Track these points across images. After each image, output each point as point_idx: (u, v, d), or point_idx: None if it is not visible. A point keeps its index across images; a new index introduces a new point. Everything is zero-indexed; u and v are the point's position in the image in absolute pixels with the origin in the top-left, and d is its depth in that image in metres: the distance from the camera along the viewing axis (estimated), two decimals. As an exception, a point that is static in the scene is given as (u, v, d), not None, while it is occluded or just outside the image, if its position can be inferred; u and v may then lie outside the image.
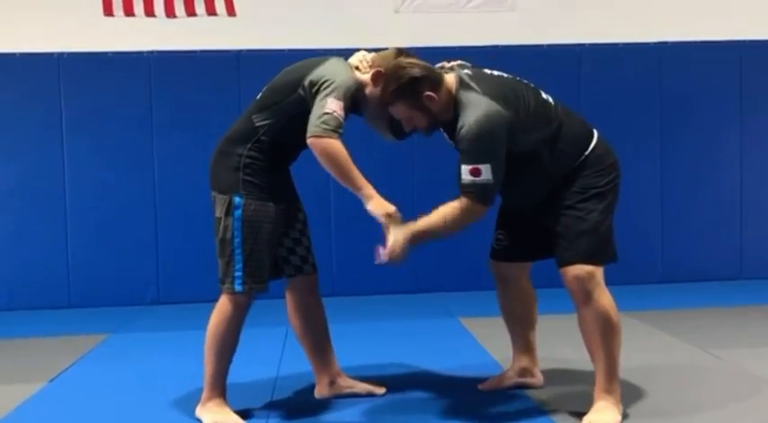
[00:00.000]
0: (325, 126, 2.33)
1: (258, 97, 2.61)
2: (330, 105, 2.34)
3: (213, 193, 2.55)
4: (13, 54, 4.88)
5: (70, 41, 4.91)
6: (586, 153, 2.40)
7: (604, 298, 2.37)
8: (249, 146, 2.52)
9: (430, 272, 5.01)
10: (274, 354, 3.49)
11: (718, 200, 5.26)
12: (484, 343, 3.56)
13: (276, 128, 2.49)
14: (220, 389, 2.54)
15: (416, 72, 2.33)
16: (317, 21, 5.03)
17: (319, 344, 2.79)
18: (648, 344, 3.49)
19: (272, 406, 2.72)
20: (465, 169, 2.28)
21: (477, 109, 2.27)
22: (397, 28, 4.97)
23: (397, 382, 2.91)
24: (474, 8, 5.09)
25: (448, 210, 2.34)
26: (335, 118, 2.34)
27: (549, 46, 5.07)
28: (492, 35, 4.96)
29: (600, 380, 2.38)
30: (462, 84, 2.35)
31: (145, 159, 4.95)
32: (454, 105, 2.36)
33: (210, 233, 5.38)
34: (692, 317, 4.09)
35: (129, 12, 4.97)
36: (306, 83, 2.43)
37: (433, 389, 2.86)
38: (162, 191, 4.96)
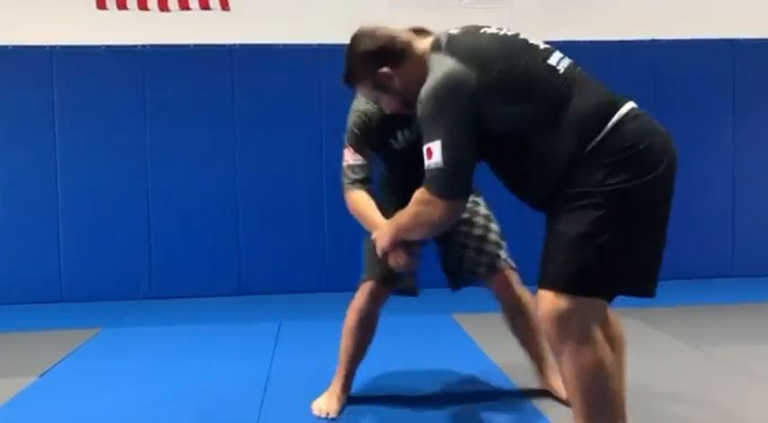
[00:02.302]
0: (344, 181, 2.42)
1: None
2: (344, 156, 2.42)
3: None
4: (6, 47, 4.85)
5: (63, 35, 4.87)
6: (597, 139, 1.73)
7: (585, 353, 1.71)
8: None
9: (423, 268, 5.00)
10: (266, 350, 3.48)
11: (710, 197, 5.28)
12: (476, 339, 3.56)
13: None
14: (339, 376, 2.66)
15: (365, 47, 1.98)
16: (312, 15, 5.01)
17: (528, 345, 2.68)
18: (640, 341, 3.49)
19: (264, 401, 2.71)
20: (424, 151, 1.82)
21: (434, 74, 1.80)
22: (392, 23, 4.94)
23: (388, 379, 2.92)
24: (470, 4, 5.09)
25: (411, 203, 1.93)
26: (348, 167, 2.41)
27: (545, 43, 5.06)
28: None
29: None
30: (434, 46, 1.90)
31: (138, 154, 4.92)
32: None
33: (204, 227, 5.38)
34: (683, 314, 4.10)
35: (122, 5, 4.94)
36: None
37: (423, 385, 2.86)
38: (155, 185, 4.94)
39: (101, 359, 3.42)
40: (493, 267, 2.54)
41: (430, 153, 1.78)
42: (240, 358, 3.34)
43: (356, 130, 2.40)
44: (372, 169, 2.45)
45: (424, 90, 1.79)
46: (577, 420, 1.79)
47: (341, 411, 2.56)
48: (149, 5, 4.94)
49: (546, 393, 2.69)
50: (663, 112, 5.43)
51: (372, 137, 2.40)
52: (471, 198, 2.48)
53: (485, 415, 2.54)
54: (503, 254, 2.56)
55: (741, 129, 5.29)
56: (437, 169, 1.77)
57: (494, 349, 3.32)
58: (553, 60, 1.85)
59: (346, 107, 5.43)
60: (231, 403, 2.69)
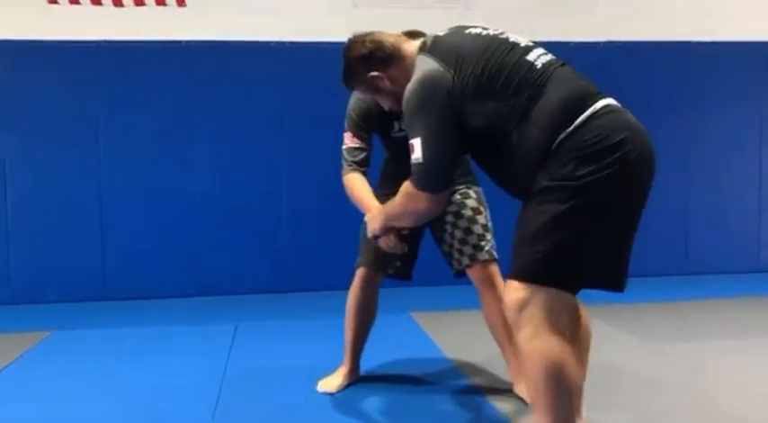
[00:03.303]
0: (343, 164, 2.61)
1: None
2: (344, 139, 2.61)
3: None
4: (-48, 41, 4.70)
5: (13, 29, 4.73)
6: (567, 131, 1.75)
7: (542, 339, 1.74)
8: None
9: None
10: (222, 351, 3.43)
11: (664, 197, 5.36)
12: (434, 337, 3.56)
13: None
14: (345, 358, 2.84)
15: (356, 52, 2.12)
16: (271, 13, 4.95)
17: (500, 339, 2.66)
18: (596, 337, 3.53)
19: (218, 402, 2.67)
20: (410, 146, 1.95)
21: (416, 73, 1.92)
22: (355, 22, 4.91)
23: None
24: (432, 4, 5.09)
25: (399, 194, 2.07)
26: (346, 150, 2.61)
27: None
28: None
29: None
30: (420, 48, 2.01)
31: (91, 152, 4.80)
32: None
33: (159, 227, 5.29)
34: (638, 311, 4.16)
35: (74, 0, 4.82)
36: None
37: (380, 382, 2.86)
38: (108, 184, 4.83)
39: (52, 362, 3.33)
40: (474, 258, 2.60)
41: (413, 148, 1.90)
42: (196, 359, 3.29)
43: (354, 116, 2.58)
44: (370, 153, 2.62)
45: (407, 89, 1.92)
46: (534, 406, 1.83)
47: (343, 389, 2.77)
48: (103, 0, 4.83)
49: (502, 390, 2.71)
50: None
51: (370, 123, 2.57)
52: (463, 188, 2.64)
53: (441, 412, 2.54)
54: (486, 246, 2.62)
55: (693, 129, 5.40)
56: (418, 164, 1.90)
57: (451, 347, 3.34)
58: (531, 56, 1.90)
59: (304, 105, 5.41)
60: (185, 404, 2.65)
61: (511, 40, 1.96)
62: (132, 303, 4.69)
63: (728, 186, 5.48)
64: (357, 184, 2.56)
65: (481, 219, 2.64)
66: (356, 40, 2.15)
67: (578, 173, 1.71)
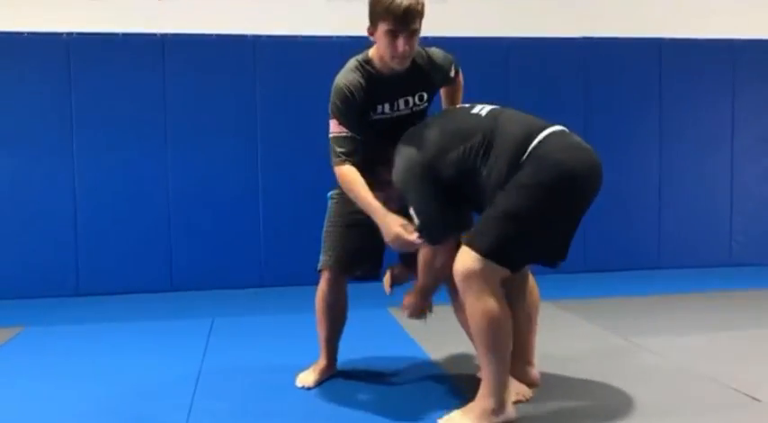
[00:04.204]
0: (332, 155, 2.52)
1: None
2: (330, 126, 2.53)
3: None
4: None
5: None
6: (524, 157, 2.21)
7: (484, 301, 2.20)
8: None
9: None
10: (198, 346, 3.41)
11: (637, 192, 5.44)
12: (412, 332, 3.57)
13: None
14: (322, 355, 2.85)
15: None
16: (247, 6, 4.93)
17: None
18: (569, 332, 3.58)
19: (194, 398, 2.66)
20: None
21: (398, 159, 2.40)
22: (329, 16, 4.92)
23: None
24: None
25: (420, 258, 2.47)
26: (334, 140, 2.52)
27: (479, 38, 5.11)
28: (424, 26, 4.97)
29: (483, 380, 2.30)
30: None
31: (63, 146, 4.74)
32: None
33: (134, 222, 5.23)
34: (609, 305, 4.21)
35: (46, -10, 4.75)
36: None
37: (358, 377, 2.87)
38: (82, 180, 4.78)
39: (25, 359, 3.29)
40: None
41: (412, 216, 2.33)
42: (171, 355, 3.27)
43: (339, 103, 2.52)
44: (358, 140, 2.52)
45: (394, 172, 2.40)
46: (479, 353, 2.26)
47: (320, 384, 2.78)
48: (75, -9, 4.77)
49: (477, 384, 2.72)
50: (592, 106, 5.58)
51: (353, 109, 2.54)
52: None
53: (417, 405, 2.54)
54: None
55: (666, 124, 5.47)
56: (418, 225, 2.32)
57: (428, 341, 3.35)
58: (475, 110, 2.41)
59: (281, 101, 5.37)
60: (161, 401, 2.63)
61: (458, 106, 2.55)
62: (106, 299, 4.64)
63: (700, 181, 5.56)
64: (352, 179, 2.47)
65: None
66: None
67: (534, 179, 2.18)
